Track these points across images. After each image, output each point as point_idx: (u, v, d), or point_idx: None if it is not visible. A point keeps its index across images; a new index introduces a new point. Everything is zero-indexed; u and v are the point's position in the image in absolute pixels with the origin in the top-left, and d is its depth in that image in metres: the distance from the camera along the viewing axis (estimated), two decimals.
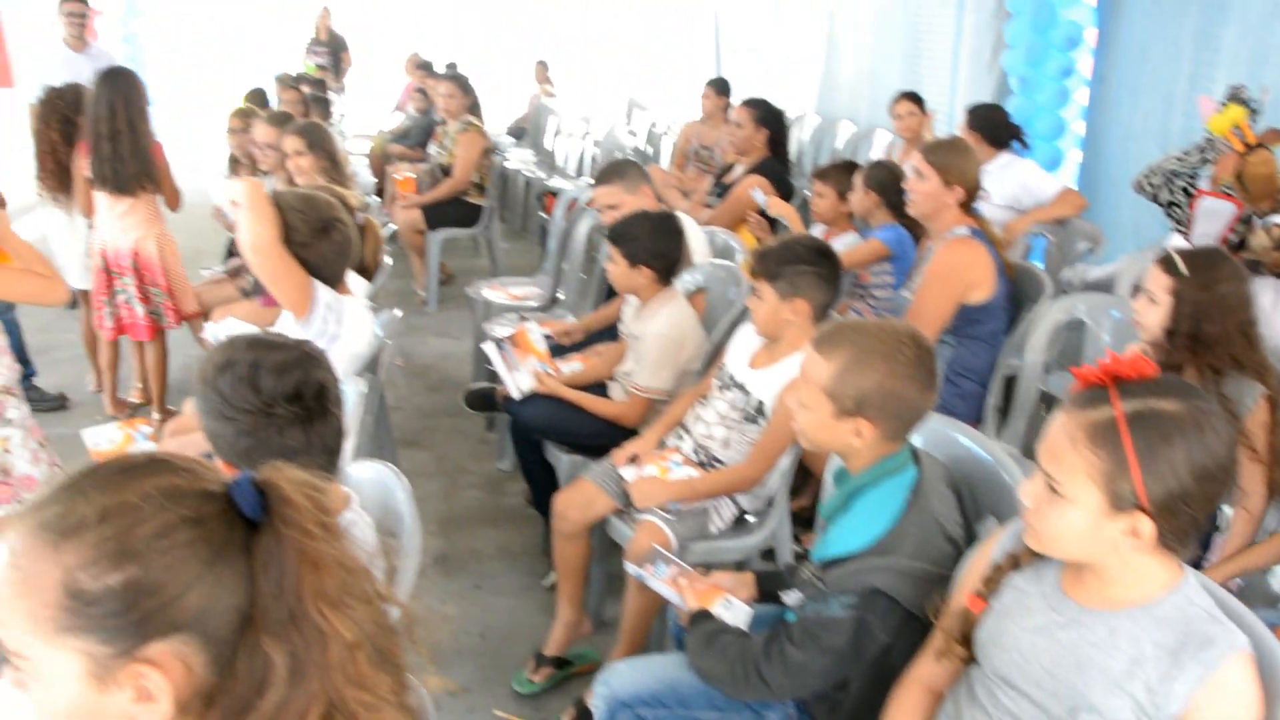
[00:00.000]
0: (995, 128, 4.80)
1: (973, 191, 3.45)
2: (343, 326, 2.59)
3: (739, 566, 2.95)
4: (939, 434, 2.17)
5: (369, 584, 1.07)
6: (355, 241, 2.70)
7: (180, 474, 1.01)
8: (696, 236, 3.71)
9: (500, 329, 4.42)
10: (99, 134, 4.23)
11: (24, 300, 2.68)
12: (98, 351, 4.91)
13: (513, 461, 4.28)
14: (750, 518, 2.94)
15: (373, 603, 1.06)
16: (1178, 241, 3.81)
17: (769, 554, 3.00)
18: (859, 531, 1.87)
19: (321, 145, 4.31)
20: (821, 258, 2.81)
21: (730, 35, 11.58)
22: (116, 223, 4.36)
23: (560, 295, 4.96)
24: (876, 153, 7.19)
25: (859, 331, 1.92)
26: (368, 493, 1.92)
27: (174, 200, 4.66)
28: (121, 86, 4.25)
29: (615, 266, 3.25)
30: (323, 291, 2.58)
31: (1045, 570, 1.58)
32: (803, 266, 2.75)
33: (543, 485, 3.42)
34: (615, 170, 3.77)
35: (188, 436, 2.91)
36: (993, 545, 1.70)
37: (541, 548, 3.67)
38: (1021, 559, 1.61)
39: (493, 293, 4.98)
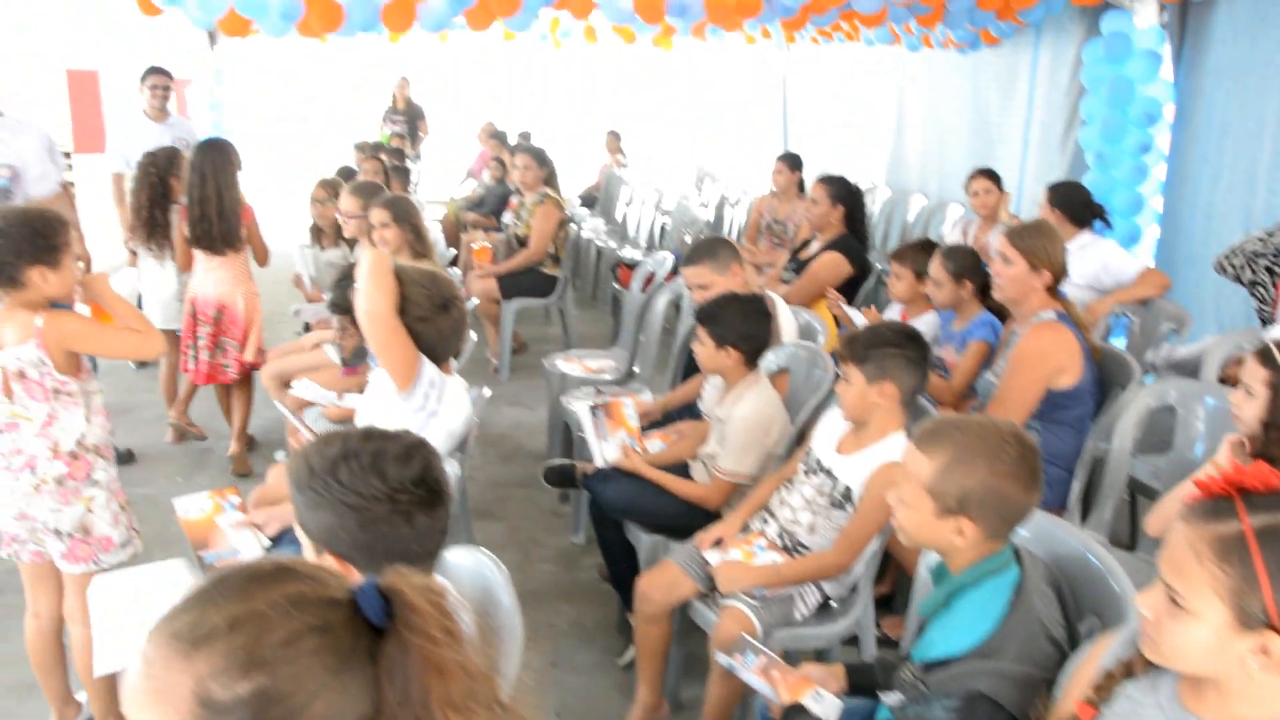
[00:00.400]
0: (1077, 206, 4.75)
1: (1060, 275, 3.44)
2: (442, 404, 2.61)
3: (819, 654, 2.92)
4: (1039, 529, 2.13)
5: (491, 689, 1.07)
6: (468, 323, 2.73)
7: (306, 581, 1.03)
8: (786, 317, 3.71)
9: (577, 401, 4.44)
10: (192, 199, 4.74)
11: (122, 356, 2.77)
12: (174, 393, 5.35)
13: (586, 535, 4.29)
14: (834, 604, 2.91)
15: (494, 709, 1.07)
16: (1278, 333, 3.74)
17: (850, 640, 2.96)
18: (962, 633, 1.85)
19: (408, 219, 4.43)
20: (909, 340, 2.82)
21: (798, 106, 11.68)
22: (207, 275, 4.86)
23: (636, 369, 4.97)
24: (948, 227, 7.18)
25: (961, 429, 1.90)
26: (464, 581, 1.92)
27: (262, 257, 5.10)
28: (212, 156, 4.75)
29: (703, 348, 3.26)
30: (428, 368, 2.62)
31: (1161, 680, 1.53)
32: (890, 349, 2.76)
33: (621, 563, 3.42)
34: (706, 250, 3.77)
35: (276, 508, 2.95)
36: (1103, 650, 1.67)
37: (616, 625, 3.65)
38: (1135, 667, 1.57)
39: (568, 365, 5.00)
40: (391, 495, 1.58)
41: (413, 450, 1.64)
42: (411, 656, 1.01)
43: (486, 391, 2.97)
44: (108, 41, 9.67)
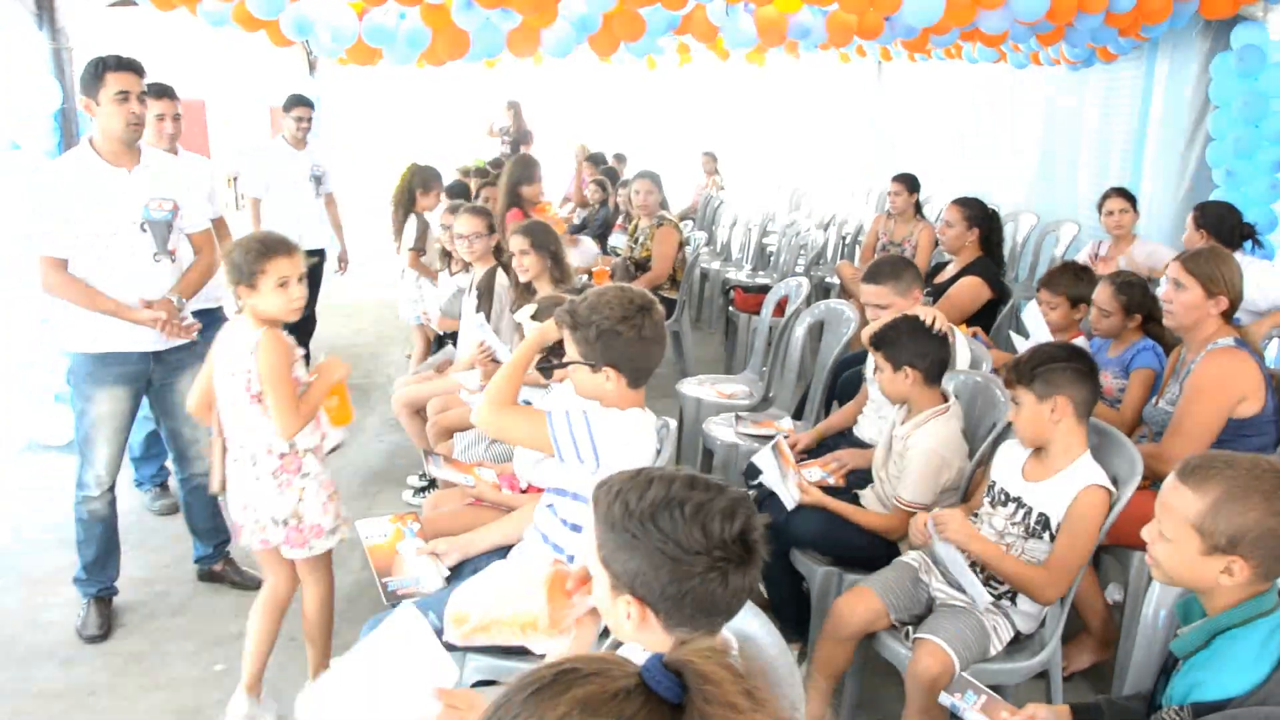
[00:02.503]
0: (1227, 228, 4.64)
1: (1237, 301, 3.35)
2: (641, 435, 2.59)
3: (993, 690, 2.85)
4: None
5: None
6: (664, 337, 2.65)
7: (591, 679, 1.00)
8: (961, 346, 3.66)
9: (718, 427, 4.42)
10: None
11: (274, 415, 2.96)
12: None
13: None
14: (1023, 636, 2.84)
15: None
16: None
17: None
18: (1236, 675, 1.79)
19: (546, 245, 4.43)
20: (1075, 354, 2.82)
21: (890, 124, 11.60)
22: None
23: (771, 394, 4.93)
24: (1062, 247, 7.07)
25: (1232, 465, 1.84)
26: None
27: None
28: (518, 171, 6.31)
29: (883, 374, 3.22)
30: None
31: None
32: (1056, 365, 2.75)
33: (784, 590, 3.39)
34: (890, 271, 3.73)
35: (457, 539, 2.96)
36: None
37: None
38: None
39: (701, 389, 4.98)
40: (710, 551, 1.50)
41: (737, 505, 1.54)
42: None
43: (671, 422, 2.94)
44: (212, 71, 9.88)
